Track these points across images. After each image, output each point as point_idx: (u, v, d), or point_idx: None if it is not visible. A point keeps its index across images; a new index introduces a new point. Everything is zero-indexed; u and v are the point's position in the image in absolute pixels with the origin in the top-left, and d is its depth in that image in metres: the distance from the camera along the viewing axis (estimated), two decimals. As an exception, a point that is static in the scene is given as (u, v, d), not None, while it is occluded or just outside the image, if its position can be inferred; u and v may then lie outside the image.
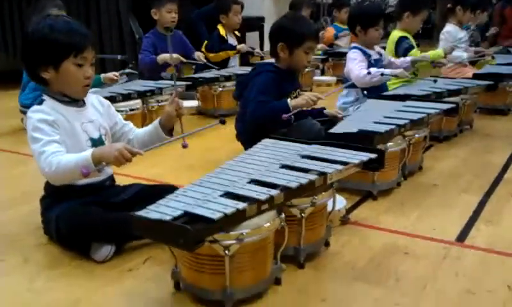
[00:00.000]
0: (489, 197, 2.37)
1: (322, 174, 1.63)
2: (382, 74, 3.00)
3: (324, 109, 2.69)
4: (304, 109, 2.46)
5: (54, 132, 1.73)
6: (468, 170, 2.74)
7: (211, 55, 4.22)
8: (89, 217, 1.76)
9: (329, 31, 5.50)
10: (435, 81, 3.30)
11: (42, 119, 1.73)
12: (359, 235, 1.99)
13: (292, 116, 2.38)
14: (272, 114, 2.39)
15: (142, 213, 1.40)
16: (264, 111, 2.43)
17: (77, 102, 1.86)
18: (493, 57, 4.65)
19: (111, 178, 1.96)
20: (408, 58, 3.36)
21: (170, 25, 4.12)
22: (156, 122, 1.92)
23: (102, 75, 3.20)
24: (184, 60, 3.99)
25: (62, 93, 1.82)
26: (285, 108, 2.37)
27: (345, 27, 5.67)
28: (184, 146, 1.83)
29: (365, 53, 3.17)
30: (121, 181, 2.04)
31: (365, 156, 1.76)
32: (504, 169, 2.76)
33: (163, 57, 3.94)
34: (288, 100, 2.45)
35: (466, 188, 2.48)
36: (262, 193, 1.46)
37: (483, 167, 2.78)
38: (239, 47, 4.46)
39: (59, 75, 1.77)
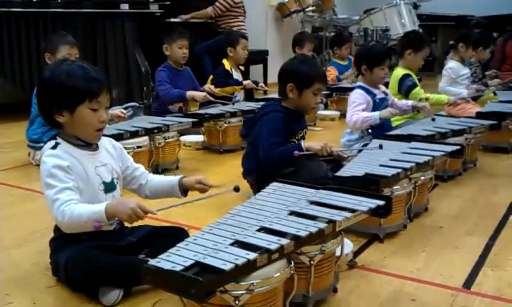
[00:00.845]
0: (494, 241, 2.37)
1: (331, 222, 1.65)
2: (371, 120, 3.08)
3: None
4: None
5: (68, 178, 1.74)
6: (473, 211, 2.75)
7: (217, 90, 4.27)
8: (97, 262, 1.76)
9: (332, 72, 5.56)
10: (433, 120, 3.34)
11: (56, 164, 1.74)
12: (366, 280, 1.99)
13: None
14: (286, 156, 2.47)
15: (153, 262, 1.41)
16: (278, 153, 2.51)
17: (90, 145, 1.88)
18: (494, 94, 4.70)
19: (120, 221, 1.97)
20: (410, 102, 3.41)
21: (182, 61, 4.19)
22: (175, 180, 1.96)
23: (109, 111, 3.22)
24: (212, 99, 4.05)
25: (76, 137, 1.85)
26: (299, 149, 2.46)
27: (345, 63, 5.76)
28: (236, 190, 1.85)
29: (369, 92, 3.22)
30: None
31: (373, 203, 1.78)
32: (509, 210, 2.76)
33: (192, 94, 3.99)
34: (303, 142, 2.53)
35: (472, 231, 2.49)
36: (272, 242, 1.48)
37: (488, 208, 2.79)
38: (245, 83, 4.55)
39: (74, 118, 1.80)
